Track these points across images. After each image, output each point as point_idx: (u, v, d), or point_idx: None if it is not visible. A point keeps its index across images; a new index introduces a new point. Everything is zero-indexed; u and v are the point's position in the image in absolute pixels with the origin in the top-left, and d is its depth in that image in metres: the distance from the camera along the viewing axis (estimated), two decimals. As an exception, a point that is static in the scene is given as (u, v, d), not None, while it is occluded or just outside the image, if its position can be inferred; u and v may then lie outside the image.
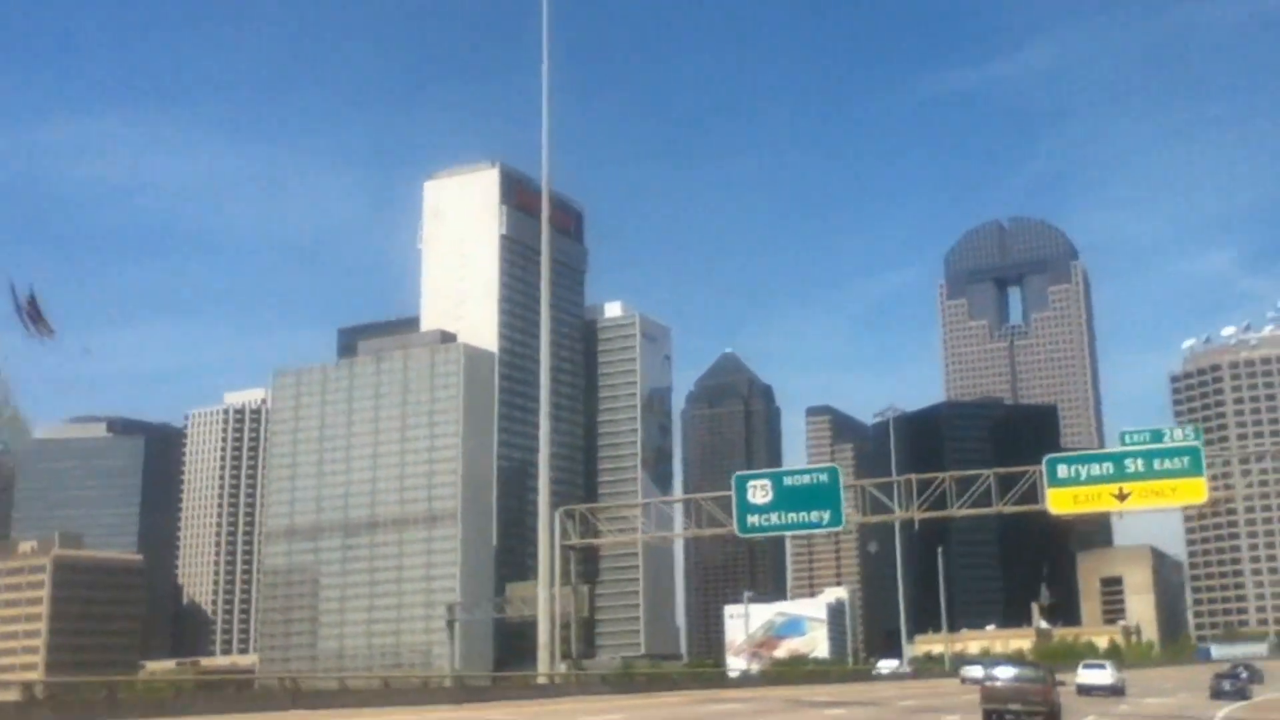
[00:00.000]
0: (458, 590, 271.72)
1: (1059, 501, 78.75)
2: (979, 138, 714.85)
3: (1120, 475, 76.68)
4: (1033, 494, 79.73)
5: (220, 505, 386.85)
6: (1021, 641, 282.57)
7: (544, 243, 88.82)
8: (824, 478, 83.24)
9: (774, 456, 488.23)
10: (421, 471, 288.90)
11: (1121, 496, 77.18)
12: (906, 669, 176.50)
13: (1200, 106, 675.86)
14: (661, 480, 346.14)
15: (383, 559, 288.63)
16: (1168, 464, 76.21)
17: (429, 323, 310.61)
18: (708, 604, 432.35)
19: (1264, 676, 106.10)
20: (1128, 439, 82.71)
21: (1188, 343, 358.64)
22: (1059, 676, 49.32)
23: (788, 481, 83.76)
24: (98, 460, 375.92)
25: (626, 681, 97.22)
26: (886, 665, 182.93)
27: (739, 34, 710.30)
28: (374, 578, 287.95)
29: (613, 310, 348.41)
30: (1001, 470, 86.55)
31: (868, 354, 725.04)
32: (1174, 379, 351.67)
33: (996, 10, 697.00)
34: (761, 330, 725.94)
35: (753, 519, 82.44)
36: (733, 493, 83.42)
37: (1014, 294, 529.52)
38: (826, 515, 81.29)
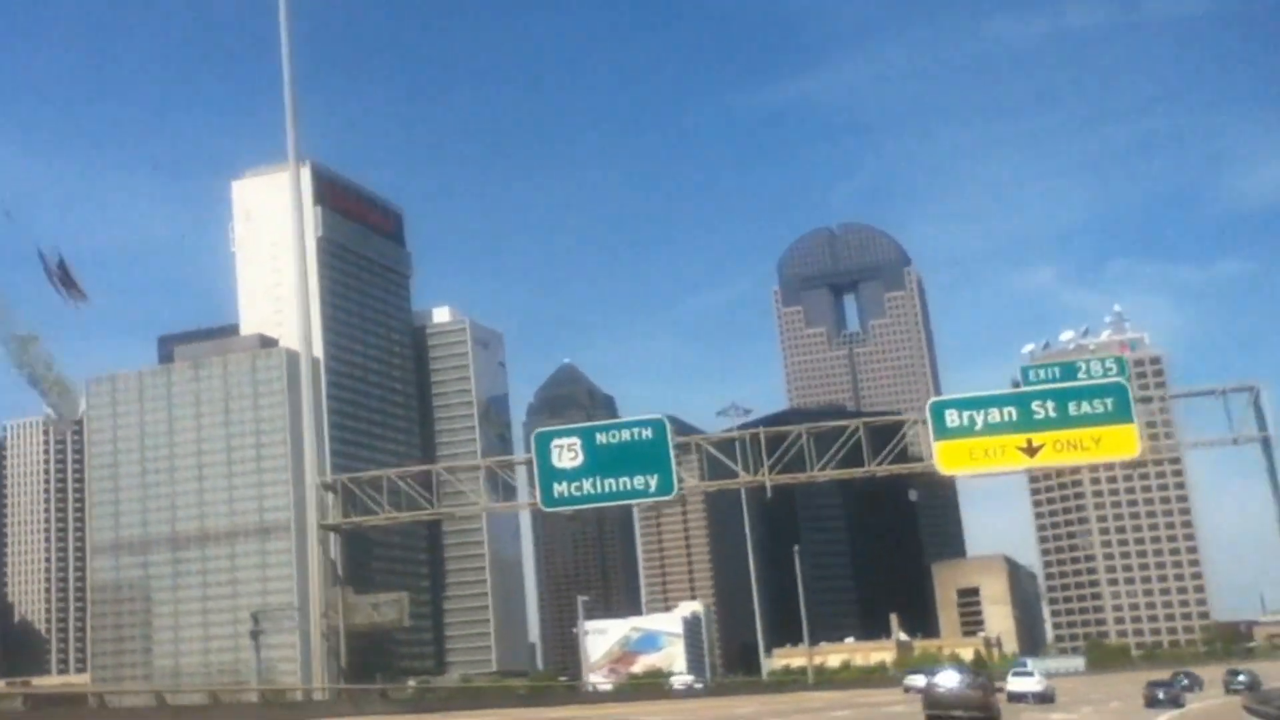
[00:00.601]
0: (294, 603, 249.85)
1: (950, 458, 64.86)
2: (805, 150, 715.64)
3: (1028, 423, 62.84)
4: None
5: (47, 518, 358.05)
6: (883, 654, 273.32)
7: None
8: (648, 433, 68.10)
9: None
10: (250, 482, 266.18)
11: (1031, 450, 63.60)
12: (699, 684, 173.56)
13: (1016, 122, 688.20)
14: (504, 489, 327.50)
15: (215, 573, 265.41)
16: (1087, 407, 61.63)
17: (249, 328, 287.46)
18: (563, 618, 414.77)
19: (1203, 683, 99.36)
20: (1032, 376, 67.95)
21: (1027, 348, 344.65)
22: None
23: (601, 439, 68.36)
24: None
25: (416, 701, 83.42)
26: (679, 680, 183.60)
27: (572, 47, 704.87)
28: (207, 592, 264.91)
29: (441, 315, 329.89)
30: (872, 419, 70.28)
31: (709, 364, 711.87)
32: (1016, 384, 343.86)
33: (814, 26, 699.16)
34: (600, 342, 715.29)
35: (560, 488, 67.33)
36: (533, 456, 66.57)
37: (850, 301, 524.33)
38: (654, 481, 67.65)
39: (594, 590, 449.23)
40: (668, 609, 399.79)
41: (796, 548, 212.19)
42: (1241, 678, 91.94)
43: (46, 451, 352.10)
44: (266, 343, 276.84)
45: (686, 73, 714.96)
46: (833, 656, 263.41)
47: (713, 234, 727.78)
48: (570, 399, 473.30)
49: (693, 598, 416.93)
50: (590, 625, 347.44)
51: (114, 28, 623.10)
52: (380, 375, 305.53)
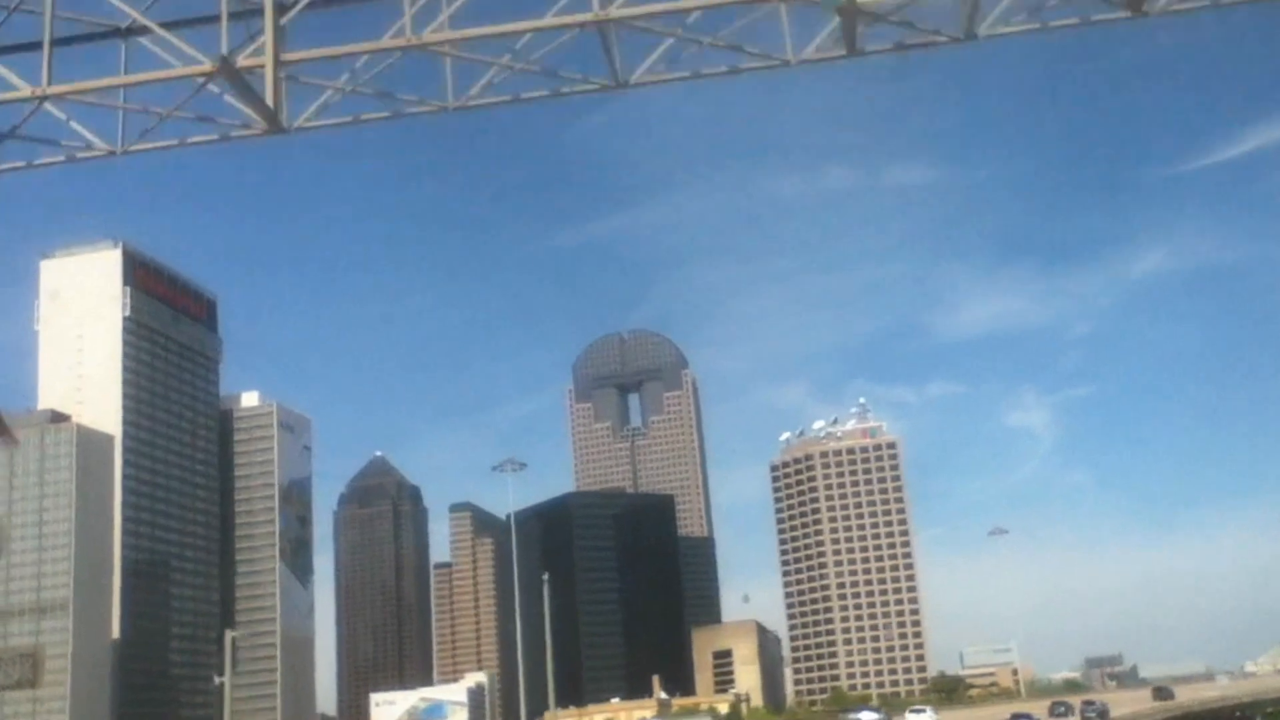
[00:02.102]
0: (67, 685, 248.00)
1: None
2: (607, 275, 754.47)
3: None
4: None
5: None
6: (645, 712, 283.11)
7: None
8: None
9: (421, 552, 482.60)
10: (30, 560, 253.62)
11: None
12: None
13: (777, 261, 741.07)
14: (301, 571, 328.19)
15: None
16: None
17: (47, 406, 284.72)
18: (361, 691, 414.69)
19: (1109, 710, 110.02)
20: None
21: (784, 435, 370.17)
22: None
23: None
24: None
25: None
26: None
27: (412, 171, 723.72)
28: None
29: (250, 400, 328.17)
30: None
31: (504, 447, 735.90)
32: (773, 468, 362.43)
33: (623, 176, 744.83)
34: (410, 438, 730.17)
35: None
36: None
37: (634, 399, 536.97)
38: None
39: (389, 662, 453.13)
40: (457, 679, 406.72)
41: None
42: (1095, 706, 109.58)
43: None
44: (58, 418, 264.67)
45: (509, 207, 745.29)
46: (599, 716, 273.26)
47: (518, 346, 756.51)
48: (380, 490, 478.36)
49: (479, 668, 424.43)
50: (380, 697, 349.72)
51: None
52: (180, 455, 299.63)
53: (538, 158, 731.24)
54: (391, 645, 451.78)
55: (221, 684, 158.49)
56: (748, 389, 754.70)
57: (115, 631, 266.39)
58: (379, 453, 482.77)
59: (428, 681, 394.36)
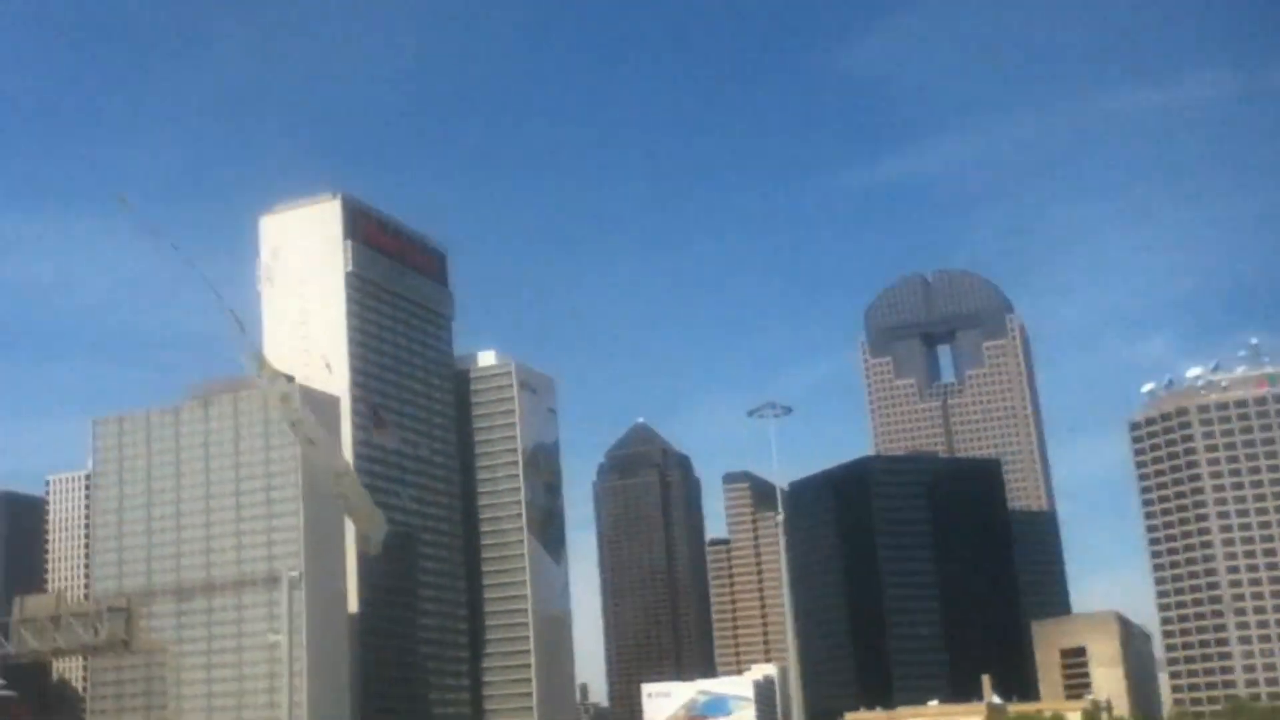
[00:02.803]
0: (304, 657, 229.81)
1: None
2: (904, 223, 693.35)
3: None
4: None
5: (87, 574, 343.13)
6: (972, 718, 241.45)
7: None
8: None
9: (694, 528, 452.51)
10: (260, 528, 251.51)
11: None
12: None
13: (1122, 190, 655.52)
14: (552, 545, 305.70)
15: (221, 625, 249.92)
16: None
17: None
18: (630, 683, 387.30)
19: None
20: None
21: (1147, 386, 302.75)
22: None
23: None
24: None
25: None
26: None
27: (665, 109, 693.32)
28: (211, 646, 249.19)
29: (486, 359, 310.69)
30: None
31: (789, 421, 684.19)
32: (1134, 426, 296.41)
33: (917, 104, 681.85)
34: (673, 403, 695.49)
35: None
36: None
37: (944, 351, 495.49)
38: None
39: (664, 649, 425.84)
40: (740, 669, 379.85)
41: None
42: None
43: (87, 506, 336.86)
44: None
45: (786, 149, 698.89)
46: None
47: (800, 301, 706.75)
48: (643, 458, 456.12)
49: (766, 658, 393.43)
50: (653, 688, 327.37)
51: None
52: (415, 419, 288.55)
53: (818, 87, 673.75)
54: (665, 630, 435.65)
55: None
56: (1093, 341, 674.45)
57: (353, 605, 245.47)
58: (640, 419, 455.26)
59: (707, 671, 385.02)
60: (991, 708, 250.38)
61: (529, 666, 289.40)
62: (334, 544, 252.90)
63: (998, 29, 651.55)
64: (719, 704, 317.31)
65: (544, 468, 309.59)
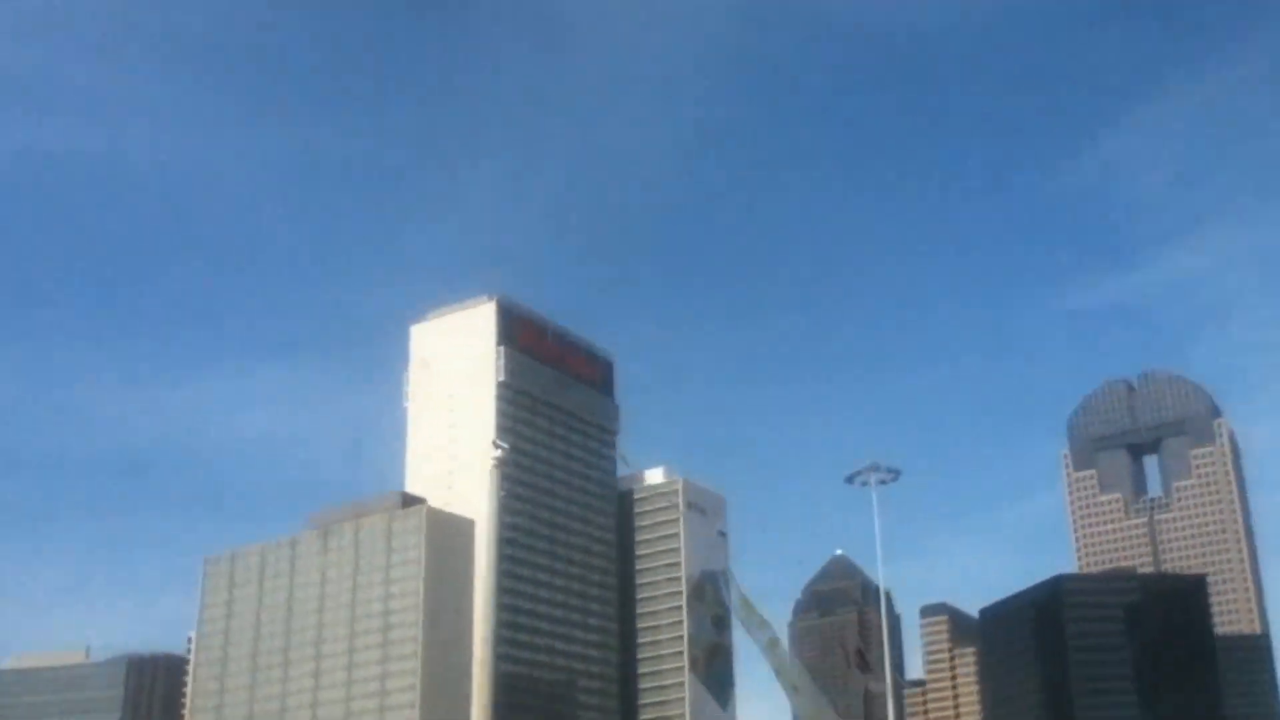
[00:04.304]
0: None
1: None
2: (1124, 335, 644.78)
3: None
4: None
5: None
6: None
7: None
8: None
9: (896, 668, 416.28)
10: (374, 659, 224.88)
11: None
12: None
13: None
14: (718, 686, 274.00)
15: None
16: None
17: (418, 491, 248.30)
18: None
19: None
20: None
21: None
22: None
23: None
24: (72, 692, 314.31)
25: None
26: None
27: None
28: None
29: (653, 477, 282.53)
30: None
31: (990, 538, 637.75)
32: None
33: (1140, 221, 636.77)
34: (865, 522, 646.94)
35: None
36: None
37: (1150, 462, 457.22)
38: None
39: None
40: None
41: None
42: None
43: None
44: (408, 501, 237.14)
45: (1001, 269, 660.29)
46: None
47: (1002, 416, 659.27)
48: (842, 595, 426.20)
49: None
50: None
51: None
52: (569, 546, 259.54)
53: (1036, 203, 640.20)
54: None
55: None
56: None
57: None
58: (839, 551, 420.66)
59: None
60: None
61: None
62: (458, 689, 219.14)
63: (1219, 135, 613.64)
64: None
65: (711, 599, 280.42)
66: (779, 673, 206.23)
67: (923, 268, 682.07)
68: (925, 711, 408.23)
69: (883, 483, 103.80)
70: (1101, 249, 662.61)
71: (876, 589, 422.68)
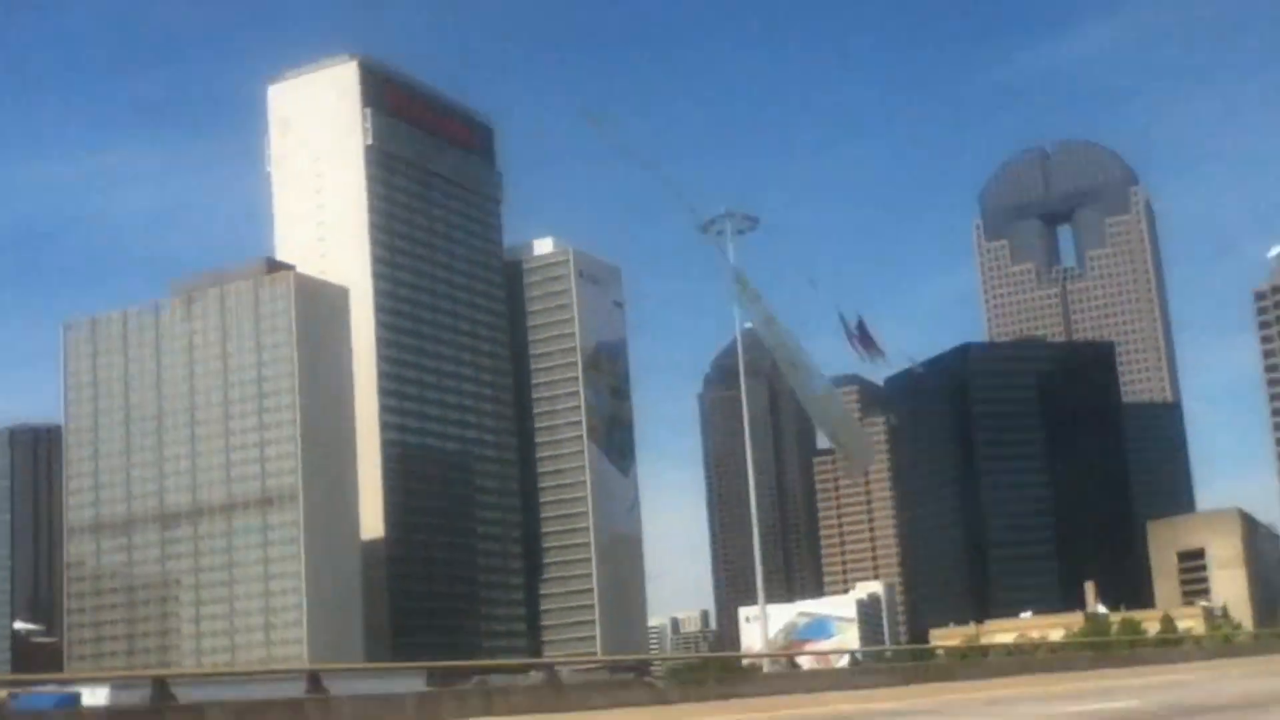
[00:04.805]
0: (302, 588, 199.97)
1: None
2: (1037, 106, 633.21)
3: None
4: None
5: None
6: (1060, 630, 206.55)
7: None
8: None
9: (806, 440, 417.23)
10: (252, 442, 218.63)
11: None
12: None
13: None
14: (619, 456, 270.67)
15: (210, 554, 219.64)
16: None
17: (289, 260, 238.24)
18: (740, 605, 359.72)
19: None
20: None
21: (1275, 250, 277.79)
22: None
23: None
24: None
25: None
26: None
27: None
28: (200, 579, 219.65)
29: (543, 247, 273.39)
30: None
31: (898, 308, 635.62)
32: (1259, 295, 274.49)
33: None
34: (776, 294, 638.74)
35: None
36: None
37: (1064, 232, 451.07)
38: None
39: (773, 569, 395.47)
40: (847, 587, 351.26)
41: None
42: None
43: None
44: (274, 267, 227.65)
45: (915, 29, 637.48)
46: (1000, 635, 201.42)
47: (912, 179, 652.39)
48: (751, 367, 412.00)
49: (875, 575, 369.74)
50: (750, 611, 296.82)
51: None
52: (454, 316, 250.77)
53: None
54: (774, 549, 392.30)
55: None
56: (1224, 213, 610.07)
57: (380, 529, 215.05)
58: (749, 324, 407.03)
59: (818, 591, 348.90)
60: (1090, 617, 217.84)
61: (590, 591, 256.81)
62: (341, 460, 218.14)
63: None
64: (820, 626, 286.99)
65: (608, 369, 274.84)
66: (775, 349, 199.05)
67: (832, 39, 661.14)
68: (835, 480, 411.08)
69: (740, 231, 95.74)
70: (1020, 19, 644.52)
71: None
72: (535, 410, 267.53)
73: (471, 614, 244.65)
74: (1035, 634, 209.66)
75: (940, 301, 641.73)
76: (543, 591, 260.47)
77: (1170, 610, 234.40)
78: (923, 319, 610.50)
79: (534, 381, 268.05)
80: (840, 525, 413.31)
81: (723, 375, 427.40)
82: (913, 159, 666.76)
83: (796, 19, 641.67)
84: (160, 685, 25.44)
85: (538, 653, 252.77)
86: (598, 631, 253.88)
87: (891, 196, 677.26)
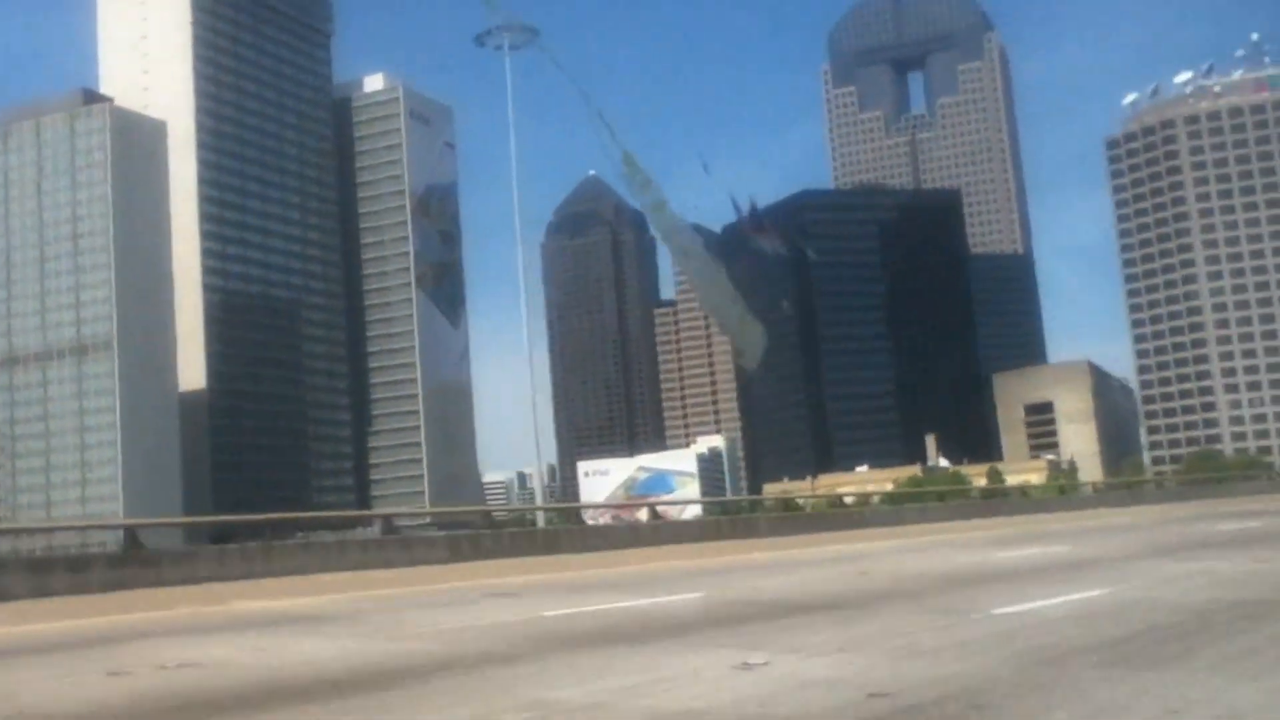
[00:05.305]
0: (118, 440, 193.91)
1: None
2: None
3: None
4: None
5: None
6: (903, 475, 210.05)
7: None
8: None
9: (649, 290, 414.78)
10: (67, 286, 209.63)
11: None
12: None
13: None
14: (448, 302, 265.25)
15: (24, 405, 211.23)
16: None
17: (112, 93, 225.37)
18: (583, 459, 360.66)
19: None
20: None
21: (1129, 98, 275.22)
22: None
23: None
24: None
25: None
26: None
27: None
28: (15, 430, 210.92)
29: (373, 84, 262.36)
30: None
31: (747, 154, 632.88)
32: (1111, 144, 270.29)
33: None
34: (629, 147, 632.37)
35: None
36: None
37: (915, 79, 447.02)
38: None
39: (617, 423, 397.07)
40: (688, 442, 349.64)
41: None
42: None
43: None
44: (90, 98, 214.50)
45: None
46: (841, 490, 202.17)
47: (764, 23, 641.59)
48: (593, 216, 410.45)
49: (717, 428, 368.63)
50: (590, 465, 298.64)
51: None
52: (279, 154, 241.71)
53: None
54: (617, 402, 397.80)
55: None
56: (1079, 63, 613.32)
57: (198, 380, 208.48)
58: (592, 172, 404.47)
59: (660, 445, 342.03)
60: (924, 471, 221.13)
61: (419, 444, 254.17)
62: (158, 306, 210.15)
63: None
64: (660, 480, 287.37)
65: (438, 213, 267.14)
66: (666, 236, 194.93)
67: None
68: (676, 330, 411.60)
69: (515, 48, 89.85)
70: None
71: (631, 211, 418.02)
72: (363, 256, 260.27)
73: (298, 466, 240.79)
74: (872, 487, 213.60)
75: (789, 150, 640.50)
76: (371, 444, 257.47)
77: (1017, 463, 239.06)
78: (772, 167, 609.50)
79: (362, 226, 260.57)
80: (682, 378, 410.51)
81: (564, 224, 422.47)
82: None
83: None
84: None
85: (367, 505, 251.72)
86: (425, 486, 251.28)
87: (742, 38, 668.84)
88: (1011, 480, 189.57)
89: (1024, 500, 72.13)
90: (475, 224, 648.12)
